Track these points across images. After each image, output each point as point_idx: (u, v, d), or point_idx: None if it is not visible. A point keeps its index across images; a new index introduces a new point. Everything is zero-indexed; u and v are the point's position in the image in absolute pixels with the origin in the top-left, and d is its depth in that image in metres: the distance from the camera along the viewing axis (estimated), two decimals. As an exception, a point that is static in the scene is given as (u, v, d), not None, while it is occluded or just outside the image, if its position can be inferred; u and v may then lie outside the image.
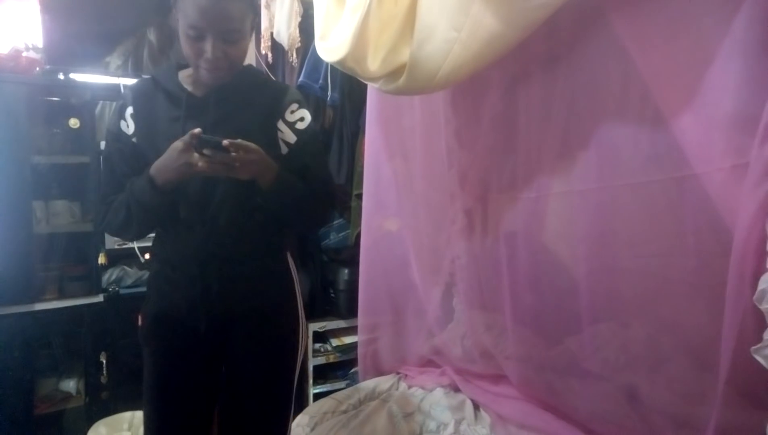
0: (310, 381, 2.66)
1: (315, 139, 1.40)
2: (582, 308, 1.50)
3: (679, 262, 1.21)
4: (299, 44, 2.34)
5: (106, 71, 2.37)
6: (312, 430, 1.78)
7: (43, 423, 2.14)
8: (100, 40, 2.41)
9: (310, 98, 2.57)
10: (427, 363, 2.14)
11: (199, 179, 1.25)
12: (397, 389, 2.02)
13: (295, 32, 2.30)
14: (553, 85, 1.50)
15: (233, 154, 1.14)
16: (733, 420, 1.14)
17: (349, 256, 2.62)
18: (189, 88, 1.31)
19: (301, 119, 1.37)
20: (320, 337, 2.72)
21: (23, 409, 2.07)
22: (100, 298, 2.20)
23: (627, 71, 1.24)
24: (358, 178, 2.49)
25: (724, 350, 1.06)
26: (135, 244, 2.20)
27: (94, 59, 2.35)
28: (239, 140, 1.15)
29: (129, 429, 2.04)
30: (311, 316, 2.70)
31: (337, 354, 2.70)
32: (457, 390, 1.92)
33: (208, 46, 1.19)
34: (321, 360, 2.69)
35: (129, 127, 1.30)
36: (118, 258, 2.30)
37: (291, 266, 1.45)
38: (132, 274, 2.32)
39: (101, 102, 2.35)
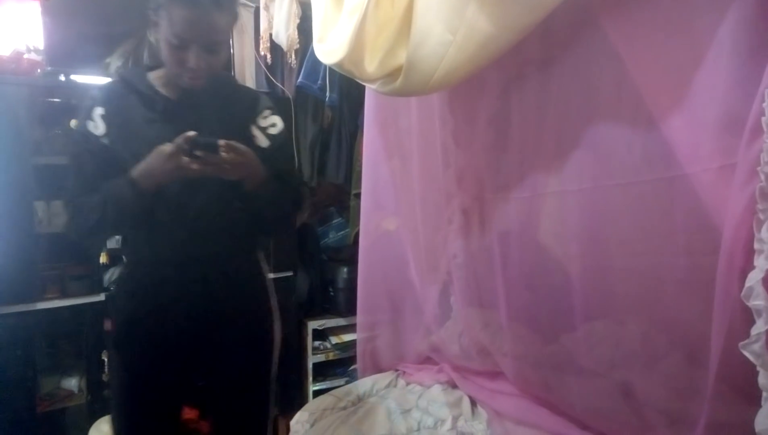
0: (310, 378, 2.69)
1: (287, 145, 1.47)
2: (576, 306, 1.53)
3: (670, 260, 1.23)
4: (298, 45, 2.36)
5: (106, 72, 2.39)
6: (311, 426, 1.80)
7: (45, 421, 2.16)
8: (101, 42, 2.43)
9: (309, 99, 2.59)
10: (425, 360, 2.17)
11: (180, 181, 1.25)
12: (395, 386, 2.04)
13: (294, 34, 2.32)
14: (548, 87, 1.52)
15: (224, 155, 1.17)
16: (724, 415, 1.17)
17: (348, 254, 2.65)
18: (162, 90, 1.32)
19: (273, 125, 1.41)
20: (320, 334, 2.75)
21: (25, 406, 2.09)
22: (101, 296, 2.22)
23: (620, 73, 1.25)
24: (356, 178, 2.52)
25: (713, 346, 1.08)
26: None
27: (95, 60, 2.37)
28: (232, 141, 1.18)
29: (130, 426, 2.06)
30: (311, 315, 2.73)
31: (337, 351, 2.73)
32: (454, 386, 1.95)
33: (191, 56, 1.21)
34: (320, 357, 2.72)
35: (98, 127, 1.28)
36: (119, 257, 2.32)
37: (263, 266, 1.49)
38: (133, 273, 2.34)
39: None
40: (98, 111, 1.29)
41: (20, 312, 2.04)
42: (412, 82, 1.42)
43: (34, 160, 2.11)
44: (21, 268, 2.04)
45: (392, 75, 1.48)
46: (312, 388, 2.68)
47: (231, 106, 1.38)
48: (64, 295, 2.18)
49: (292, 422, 1.90)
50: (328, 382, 2.70)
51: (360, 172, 2.33)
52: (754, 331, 0.94)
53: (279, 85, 2.62)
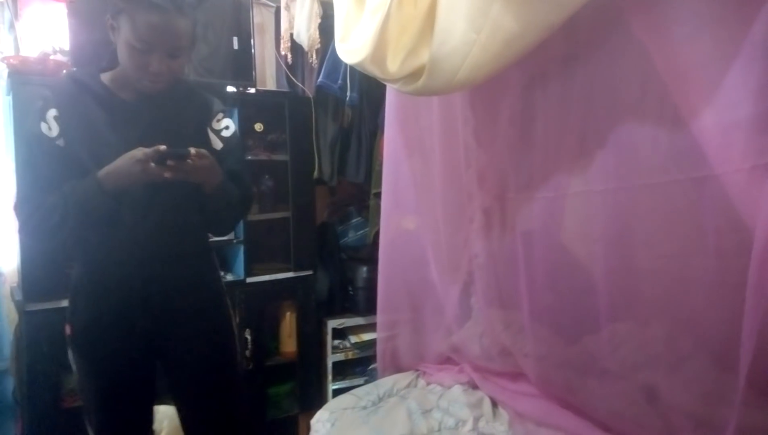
0: (329, 377, 2.69)
1: (239, 147, 1.54)
2: (600, 307, 1.51)
3: (698, 262, 1.21)
4: (319, 45, 2.37)
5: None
6: (332, 425, 1.81)
7: (70, 416, 2.19)
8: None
9: (330, 98, 2.60)
10: (446, 360, 2.16)
11: (144, 184, 1.28)
12: (415, 386, 2.03)
13: (315, 33, 2.33)
14: (571, 85, 1.50)
15: (192, 162, 1.24)
16: (754, 420, 1.15)
17: (368, 254, 2.65)
18: (118, 93, 1.34)
19: (227, 127, 1.47)
20: (339, 333, 2.76)
21: (51, 402, 2.13)
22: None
23: (646, 71, 1.24)
24: (376, 177, 2.52)
25: (744, 350, 1.06)
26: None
27: (119, 61, 2.40)
28: (201, 150, 1.26)
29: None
30: (330, 313, 2.73)
31: (356, 351, 2.73)
32: (475, 387, 1.94)
33: (154, 61, 1.24)
34: (340, 356, 2.72)
35: (52, 129, 1.28)
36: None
37: (215, 263, 1.56)
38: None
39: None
40: (51, 112, 1.29)
41: (46, 309, 2.07)
42: (435, 81, 1.42)
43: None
44: (47, 266, 2.07)
45: (415, 74, 1.48)
46: (331, 387, 2.69)
47: (186, 109, 1.42)
48: (89, 292, 2.21)
49: (313, 421, 1.90)
50: (347, 381, 2.70)
51: (380, 171, 2.33)
52: (787, 335, 0.92)
53: (299, 84, 2.63)
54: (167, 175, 1.23)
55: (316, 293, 2.67)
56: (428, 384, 2.03)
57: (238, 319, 1.64)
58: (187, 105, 1.43)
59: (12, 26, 2.27)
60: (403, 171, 2.19)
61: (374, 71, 1.59)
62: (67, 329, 1.40)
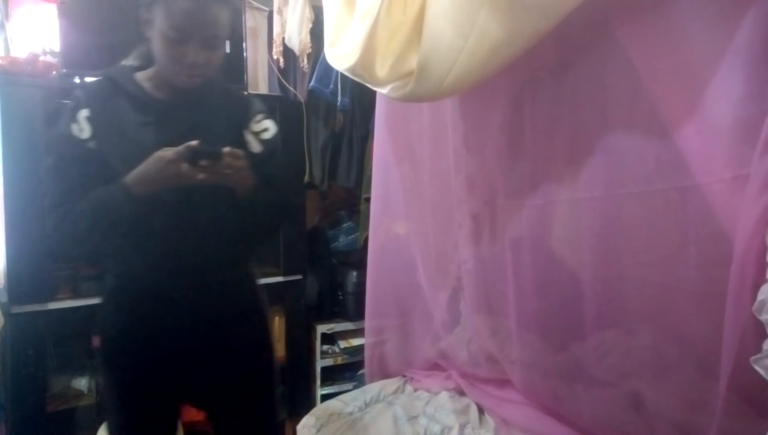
0: (318, 382, 2.68)
1: (279, 150, 1.40)
2: (587, 315, 1.51)
3: (682, 271, 1.21)
4: (310, 50, 2.37)
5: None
6: (318, 431, 1.80)
7: (55, 420, 2.17)
8: (117, 44, 2.44)
9: (321, 103, 2.60)
10: (433, 366, 2.16)
11: (175, 188, 1.19)
12: (402, 392, 2.03)
13: (307, 38, 2.32)
14: (561, 92, 1.51)
15: (226, 162, 1.14)
16: (735, 428, 1.15)
17: (358, 258, 2.64)
18: (153, 92, 1.26)
19: (266, 130, 1.37)
20: (328, 338, 2.75)
21: (36, 406, 2.10)
22: (113, 297, 2.24)
23: (634, 79, 1.24)
24: (367, 182, 2.52)
25: (724, 359, 1.07)
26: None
27: (111, 63, 2.39)
28: (235, 149, 1.15)
29: (139, 427, 2.07)
30: (320, 318, 2.72)
31: (345, 356, 2.72)
32: (462, 394, 1.94)
33: (190, 52, 1.16)
34: (329, 362, 2.71)
35: (83, 131, 1.21)
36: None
37: (256, 273, 1.46)
38: (144, 274, 2.35)
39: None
40: (83, 113, 1.22)
41: (32, 312, 2.05)
42: (423, 87, 1.42)
43: (48, 161, 2.12)
44: (33, 269, 2.06)
45: (403, 80, 1.48)
46: (320, 392, 2.67)
47: (224, 110, 1.34)
48: (76, 295, 2.19)
49: (299, 426, 1.90)
50: (336, 386, 2.69)
51: (371, 176, 2.33)
52: (765, 345, 0.93)
53: (291, 89, 2.63)
54: (201, 176, 1.12)
55: (306, 298, 2.66)
56: (415, 390, 2.02)
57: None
58: (224, 105, 1.34)
59: (2, 26, 2.27)
60: (393, 176, 2.19)
61: (363, 76, 1.60)
62: (96, 341, 1.34)
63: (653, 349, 1.46)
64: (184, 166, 1.12)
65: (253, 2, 2.69)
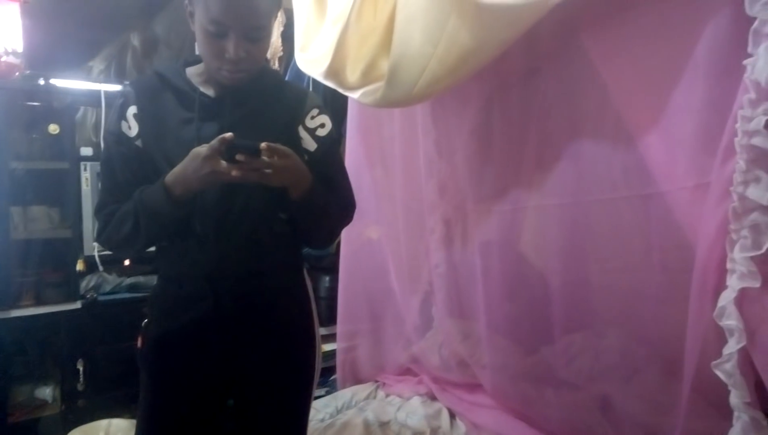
0: (290, 388, 2.66)
1: (337, 148, 1.30)
2: (556, 319, 1.53)
3: (647, 276, 1.23)
4: (281, 53, 2.35)
5: (88, 76, 2.36)
6: (289, 438, 1.78)
7: (18, 431, 2.12)
8: (82, 45, 2.40)
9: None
10: (406, 371, 2.16)
11: (217, 188, 1.12)
12: (374, 398, 2.03)
13: (278, 41, 2.30)
14: (531, 99, 1.53)
15: (266, 159, 1.03)
16: (699, 429, 1.18)
17: (330, 263, 2.62)
18: (200, 87, 1.18)
19: (322, 126, 1.24)
20: (301, 344, 2.72)
21: (-3, 417, 2.05)
22: (77, 304, 2.19)
23: (602, 88, 1.26)
24: (339, 186, 2.50)
25: (687, 363, 1.09)
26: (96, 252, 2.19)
27: (76, 64, 2.35)
28: (275, 144, 1.04)
29: (105, 437, 2.02)
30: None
31: (318, 361, 2.70)
32: (434, 398, 1.94)
33: (230, 45, 1.08)
34: (301, 367, 2.69)
35: (132, 128, 1.16)
36: (96, 264, 2.29)
37: (307, 283, 1.34)
38: (110, 280, 2.31)
39: (82, 108, 2.34)
40: (132, 110, 1.16)
41: (-7, 319, 2.00)
42: (393, 92, 1.42)
43: (10, 165, 2.07)
44: (-6, 275, 2.01)
45: (374, 85, 1.48)
46: (292, 397, 2.65)
47: (276, 105, 1.22)
48: (40, 302, 2.14)
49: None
50: (308, 391, 2.67)
51: (343, 180, 2.32)
52: (726, 350, 0.95)
53: (263, 91, 2.60)
54: (236, 173, 1.02)
55: (278, 303, 2.64)
56: (387, 395, 2.02)
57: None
58: (275, 99, 1.23)
59: (-37, 26, 2.20)
60: (365, 181, 2.19)
61: (334, 82, 1.59)
62: (139, 340, 1.23)
63: (621, 353, 1.48)
64: (222, 164, 1.03)
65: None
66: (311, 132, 1.23)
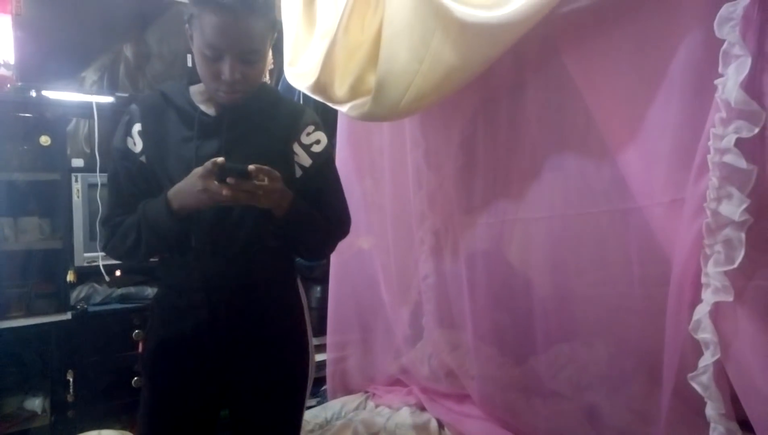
0: (281, 398, 2.65)
1: (330, 163, 1.34)
2: (541, 330, 1.55)
3: (627, 289, 1.25)
4: (272, 66, 2.37)
5: (80, 88, 2.37)
6: (278, 449, 1.79)
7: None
8: (75, 57, 2.40)
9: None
10: (395, 382, 2.17)
11: (208, 204, 1.16)
12: (364, 408, 2.03)
13: (269, 54, 2.33)
14: (517, 113, 1.55)
15: (256, 182, 1.09)
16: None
17: (321, 274, 2.63)
18: (201, 106, 1.24)
19: (317, 142, 1.29)
20: (292, 354, 2.72)
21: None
22: (68, 315, 2.18)
23: (584, 103, 1.28)
24: (330, 197, 2.52)
25: (666, 374, 1.11)
26: (101, 262, 2.20)
27: (68, 76, 2.35)
28: (264, 166, 1.09)
29: (95, 448, 2.02)
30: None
31: (308, 371, 2.70)
32: (423, 409, 1.95)
33: (225, 68, 1.13)
34: (292, 377, 2.69)
35: (137, 145, 1.22)
36: (87, 275, 2.29)
37: (301, 294, 1.40)
38: (101, 291, 2.30)
39: (74, 119, 2.35)
40: (137, 127, 1.23)
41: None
42: (380, 107, 1.44)
43: (1, 176, 2.08)
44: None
45: (362, 99, 1.50)
46: (283, 407, 2.65)
47: (272, 123, 1.27)
48: (30, 313, 2.14)
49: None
50: (299, 402, 2.67)
51: (333, 191, 2.33)
52: (701, 362, 0.96)
53: (254, 103, 2.62)
54: (225, 193, 1.08)
55: (269, 313, 2.64)
56: (377, 406, 2.03)
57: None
58: (272, 117, 1.28)
59: (-45, 38, 2.21)
60: (355, 192, 2.20)
61: (322, 95, 1.61)
62: (141, 345, 1.31)
63: (608, 363, 1.50)
64: (215, 184, 1.09)
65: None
66: (306, 148, 1.27)
